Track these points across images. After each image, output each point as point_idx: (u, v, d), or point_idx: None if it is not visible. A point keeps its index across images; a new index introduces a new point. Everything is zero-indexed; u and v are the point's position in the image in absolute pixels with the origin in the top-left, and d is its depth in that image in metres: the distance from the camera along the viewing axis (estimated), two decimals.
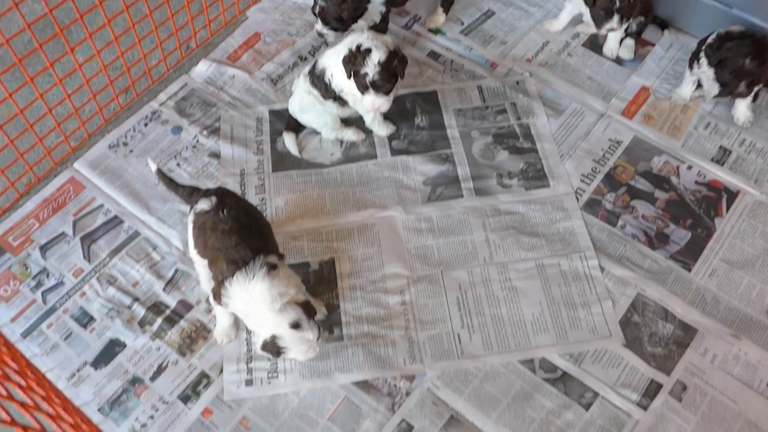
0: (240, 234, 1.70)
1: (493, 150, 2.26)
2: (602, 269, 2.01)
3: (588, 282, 1.98)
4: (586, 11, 2.39)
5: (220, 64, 2.51)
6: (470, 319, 1.92)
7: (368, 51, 1.98)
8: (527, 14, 2.64)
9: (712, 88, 2.20)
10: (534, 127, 2.31)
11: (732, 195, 2.18)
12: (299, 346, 1.66)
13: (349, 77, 2.03)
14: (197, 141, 2.32)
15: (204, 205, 1.76)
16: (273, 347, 1.66)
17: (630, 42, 2.48)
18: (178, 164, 2.26)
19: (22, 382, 1.50)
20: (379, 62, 1.97)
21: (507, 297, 1.96)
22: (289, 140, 2.26)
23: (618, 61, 2.50)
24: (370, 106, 2.06)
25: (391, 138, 2.28)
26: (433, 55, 2.52)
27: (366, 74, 1.98)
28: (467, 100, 2.39)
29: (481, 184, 2.18)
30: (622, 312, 1.94)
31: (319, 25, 2.37)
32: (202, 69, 2.50)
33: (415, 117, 2.34)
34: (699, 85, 2.32)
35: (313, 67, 2.16)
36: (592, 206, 2.14)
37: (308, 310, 1.67)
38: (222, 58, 2.54)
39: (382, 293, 1.97)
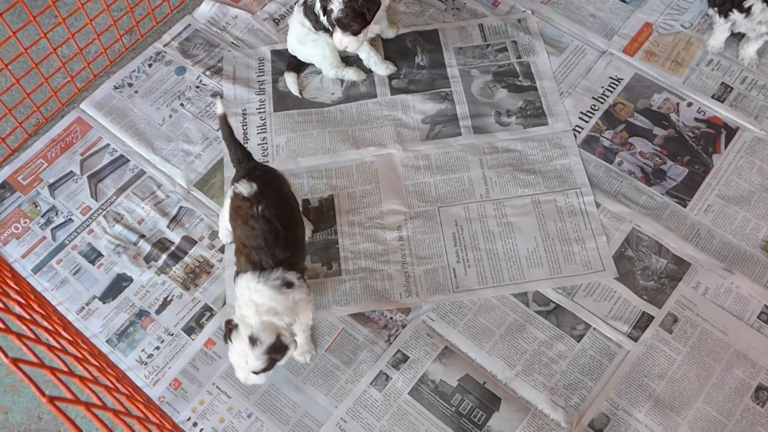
0: (268, 238, 1.62)
1: (493, 88, 2.26)
2: (598, 205, 2.03)
3: (583, 217, 2.01)
4: None
5: (222, 4, 2.52)
6: (466, 254, 1.96)
7: None
8: None
9: (760, 28, 2.16)
10: (534, 65, 2.30)
11: (731, 132, 2.18)
12: (238, 359, 1.58)
13: (323, 14, 2.02)
14: (200, 81, 2.35)
15: (243, 188, 1.68)
16: (228, 333, 1.60)
17: None
18: (182, 104, 2.30)
19: (40, 312, 1.57)
20: (343, 0, 1.93)
21: (502, 232, 1.99)
22: (290, 80, 2.28)
23: None
24: (339, 44, 2.04)
25: (391, 77, 2.29)
26: None
27: (332, 11, 1.96)
28: (468, 38, 2.38)
29: (480, 122, 2.19)
30: (616, 247, 1.97)
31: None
32: (205, 9, 2.51)
33: (415, 56, 2.34)
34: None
35: None
36: (589, 143, 2.15)
37: (276, 347, 1.58)
38: None
39: (379, 229, 2.01)
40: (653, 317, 1.87)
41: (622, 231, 2.00)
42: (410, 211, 2.04)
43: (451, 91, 2.26)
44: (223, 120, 1.81)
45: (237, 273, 1.67)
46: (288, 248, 1.65)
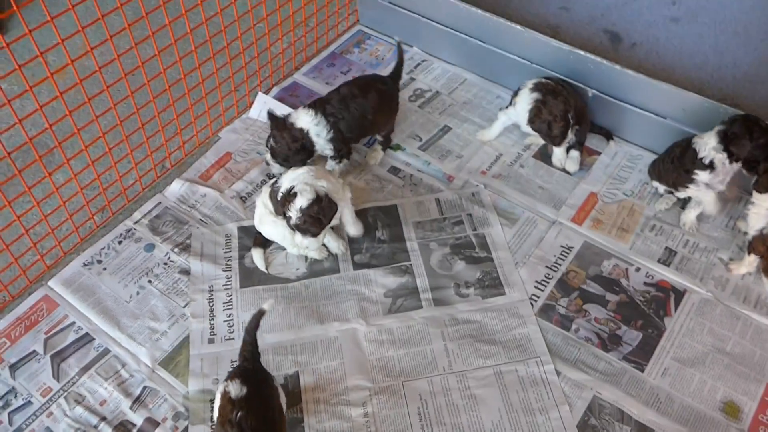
0: None
1: (451, 260, 2.36)
2: (558, 373, 2.08)
3: (545, 387, 2.05)
4: (521, 117, 2.57)
5: (192, 183, 2.64)
6: (431, 429, 1.97)
7: (294, 196, 2.08)
8: (481, 129, 2.80)
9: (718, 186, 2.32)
10: (489, 237, 2.43)
11: (679, 294, 2.28)
12: None
13: (282, 217, 2.16)
14: (169, 258, 2.41)
15: (233, 389, 1.68)
16: None
17: (575, 154, 2.64)
18: (150, 281, 2.34)
19: None
20: (301, 208, 2.07)
21: (467, 405, 2.01)
22: (257, 255, 2.36)
23: (566, 170, 2.64)
24: (300, 245, 2.17)
25: (353, 252, 2.39)
26: (394, 170, 2.67)
27: (290, 218, 2.10)
28: (426, 212, 2.51)
29: (440, 295, 2.27)
30: (579, 415, 2.00)
31: (268, 157, 2.55)
32: (176, 188, 2.62)
33: (376, 230, 2.45)
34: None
35: (276, 181, 2.26)
36: (546, 312, 2.23)
37: None
38: (194, 177, 2.67)
39: (345, 406, 2.02)
40: None
41: (584, 399, 2.03)
42: (375, 386, 2.06)
43: (411, 265, 2.35)
44: (259, 316, 1.83)
45: None
46: None
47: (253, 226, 2.41)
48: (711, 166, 2.27)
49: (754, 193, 2.21)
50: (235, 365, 1.91)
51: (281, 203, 2.13)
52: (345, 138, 2.48)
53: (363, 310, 2.23)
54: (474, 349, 2.13)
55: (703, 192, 2.32)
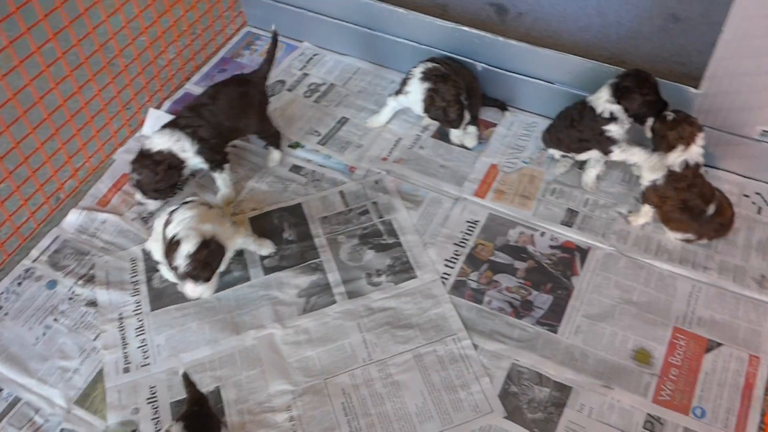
0: None
1: (360, 251, 2.36)
2: (476, 347, 2.11)
3: (464, 362, 2.07)
4: (415, 106, 2.58)
5: (90, 210, 2.56)
6: (358, 422, 1.97)
7: (178, 243, 1.98)
8: (379, 116, 2.80)
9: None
10: (396, 222, 2.43)
11: (584, 252, 2.34)
12: None
13: (169, 267, 2.07)
14: (73, 292, 2.34)
15: (172, 429, 1.71)
16: None
17: (471, 129, 2.66)
18: (56, 319, 2.27)
19: None
20: (188, 254, 1.97)
21: (390, 393, 2.02)
22: (164, 269, 2.30)
23: (465, 146, 2.67)
24: (191, 294, 2.07)
25: (262, 257, 2.36)
26: (296, 169, 2.65)
27: (178, 267, 2.00)
28: (331, 206, 2.51)
29: (353, 287, 2.27)
30: (500, 385, 2.03)
31: (138, 196, 2.42)
32: (73, 219, 2.54)
33: (282, 232, 2.43)
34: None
35: (175, 210, 2.16)
36: (458, 288, 2.26)
37: None
38: (92, 205, 2.59)
39: (269, 413, 2.00)
40: None
41: (502, 368, 2.07)
42: (297, 388, 2.05)
43: (321, 261, 2.34)
44: (185, 378, 1.86)
45: None
46: None
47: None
48: (614, 118, 2.31)
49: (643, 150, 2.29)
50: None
51: (166, 254, 2.04)
52: (213, 145, 2.42)
53: (278, 313, 2.21)
54: (391, 336, 2.14)
55: (627, 149, 2.35)
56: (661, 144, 2.25)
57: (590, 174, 2.50)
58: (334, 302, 2.23)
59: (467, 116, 2.57)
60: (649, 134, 2.31)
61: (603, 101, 2.31)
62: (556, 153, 2.54)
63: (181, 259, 1.97)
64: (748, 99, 2.32)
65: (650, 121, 2.29)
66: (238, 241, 2.19)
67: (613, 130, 2.32)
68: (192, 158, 2.38)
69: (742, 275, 2.27)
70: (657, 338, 2.12)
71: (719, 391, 2.02)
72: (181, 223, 2.02)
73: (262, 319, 2.20)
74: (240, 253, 2.38)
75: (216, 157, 2.45)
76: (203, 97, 2.45)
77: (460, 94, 2.52)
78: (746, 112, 2.38)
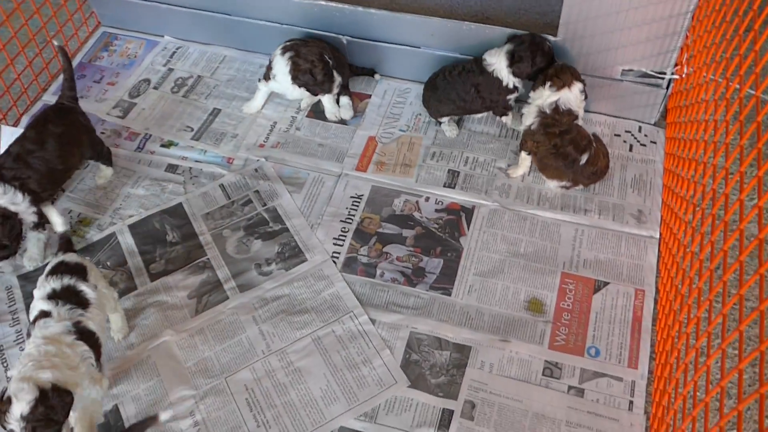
0: None
1: (247, 242, 2.32)
2: (373, 321, 2.11)
3: (364, 338, 2.07)
4: (287, 90, 2.54)
5: None
6: (263, 416, 1.95)
7: (9, 402, 1.59)
8: (253, 101, 2.74)
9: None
10: (280, 208, 2.40)
11: (469, 212, 2.37)
12: None
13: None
14: None
15: None
16: None
17: (345, 100, 2.65)
18: None
19: None
20: (22, 416, 1.57)
21: (293, 381, 2.00)
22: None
23: (343, 121, 2.65)
24: None
25: (147, 263, 2.28)
26: (171, 168, 2.56)
27: (12, 431, 1.60)
28: (212, 201, 2.44)
29: (243, 280, 2.22)
30: (401, 355, 2.04)
31: None
32: None
33: (166, 235, 2.35)
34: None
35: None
36: (349, 265, 2.25)
37: None
38: None
39: (172, 422, 1.95)
40: (453, 411, 1.94)
41: (401, 339, 2.08)
42: (199, 392, 2.00)
43: (208, 258, 2.29)
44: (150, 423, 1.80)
45: None
46: None
47: (36, 269, 2.24)
48: (516, 88, 2.41)
49: (531, 93, 2.34)
50: None
51: None
52: (40, 197, 2.21)
53: (169, 318, 2.15)
54: (288, 323, 2.11)
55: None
56: (539, 81, 2.32)
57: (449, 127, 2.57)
58: (226, 298, 2.19)
59: (337, 78, 2.55)
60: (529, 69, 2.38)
61: (507, 73, 2.38)
62: (444, 119, 2.56)
63: (15, 422, 1.58)
64: (603, 41, 2.39)
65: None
66: (86, 382, 1.75)
67: (512, 98, 2.42)
68: (26, 211, 2.17)
69: (621, 213, 2.35)
70: (547, 286, 2.18)
71: (610, 329, 2.09)
72: (15, 372, 1.67)
73: (154, 328, 2.14)
74: (123, 263, 2.29)
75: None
76: (26, 142, 2.20)
77: (324, 53, 2.51)
78: (604, 54, 2.44)
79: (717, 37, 1.97)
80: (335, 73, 2.55)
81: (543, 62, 2.35)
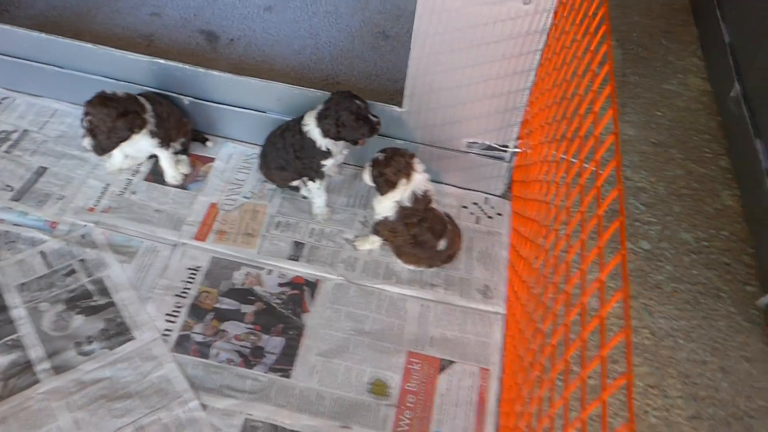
0: None
1: (67, 318, 2.10)
2: (204, 407, 1.95)
3: (192, 427, 1.91)
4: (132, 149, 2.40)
5: None
6: None
7: None
8: (83, 161, 2.54)
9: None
10: (108, 279, 2.20)
11: (313, 286, 2.28)
12: None
13: None
14: None
15: None
16: None
17: (183, 157, 2.53)
18: None
19: None
20: None
21: None
22: None
23: (183, 186, 2.50)
24: None
25: None
26: None
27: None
28: (30, 270, 2.20)
29: (60, 360, 2.00)
30: None
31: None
32: None
33: None
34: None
35: None
36: (182, 344, 2.09)
37: None
38: None
39: None
40: None
41: (235, 426, 1.93)
42: None
43: (19, 337, 2.04)
44: None
45: None
46: None
47: None
48: (329, 152, 2.30)
49: (378, 198, 2.25)
50: None
51: None
52: None
53: None
54: (107, 410, 1.91)
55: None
56: (384, 186, 2.20)
57: (319, 202, 2.45)
58: (37, 381, 1.95)
59: (177, 145, 2.41)
60: (371, 182, 2.26)
61: (318, 133, 2.28)
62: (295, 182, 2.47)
63: None
64: (448, 113, 2.41)
65: (367, 170, 2.26)
66: None
67: (328, 164, 2.31)
68: None
69: (468, 288, 2.34)
70: (392, 366, 2.11)
71: (455, 411, 2.04)
72: None
73: None
74: None
75: None
76: None
77: (130, 113, 2.30)
78: (450, 126, 2.47)
79: (550, 116, 2.01)
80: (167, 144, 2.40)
81: (349, 121, 2.24)
